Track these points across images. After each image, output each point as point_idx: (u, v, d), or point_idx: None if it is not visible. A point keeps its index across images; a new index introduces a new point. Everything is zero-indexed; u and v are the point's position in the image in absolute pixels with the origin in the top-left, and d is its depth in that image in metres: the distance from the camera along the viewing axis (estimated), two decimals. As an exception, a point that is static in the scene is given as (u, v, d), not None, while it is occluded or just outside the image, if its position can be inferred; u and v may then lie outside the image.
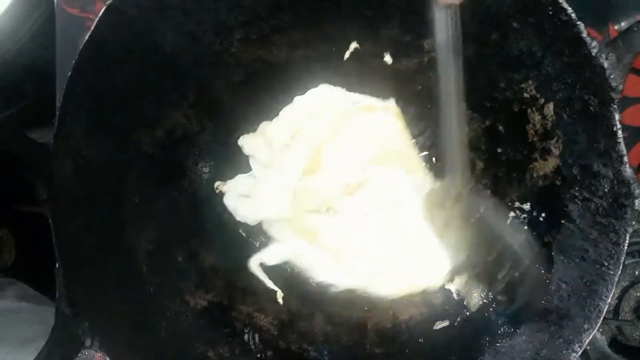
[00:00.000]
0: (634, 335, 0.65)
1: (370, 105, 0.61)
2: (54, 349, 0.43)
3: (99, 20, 0.46)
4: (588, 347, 0.67)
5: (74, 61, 0.46)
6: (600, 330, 0.67)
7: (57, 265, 0.47)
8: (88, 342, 0.45)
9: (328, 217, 0.61)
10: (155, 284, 0.54)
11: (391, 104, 0.61)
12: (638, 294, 0.66)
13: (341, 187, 0.60)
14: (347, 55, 0.60)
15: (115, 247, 0.52)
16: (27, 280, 0.89)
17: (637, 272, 0.66)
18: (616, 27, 0.69)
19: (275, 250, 0.62)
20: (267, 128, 0.62)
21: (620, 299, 0.66)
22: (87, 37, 0.46)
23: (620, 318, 0.66)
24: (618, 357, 0.66)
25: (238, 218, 0.61)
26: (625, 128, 0.69)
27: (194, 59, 0.55)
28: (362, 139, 0.60)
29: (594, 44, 0.46)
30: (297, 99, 0.61)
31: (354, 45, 0.60)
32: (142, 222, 0.55)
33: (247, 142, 0.62)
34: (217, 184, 0.62)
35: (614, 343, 0.67)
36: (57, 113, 0.47)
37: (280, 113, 0.62)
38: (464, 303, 0.59)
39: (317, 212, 0.61)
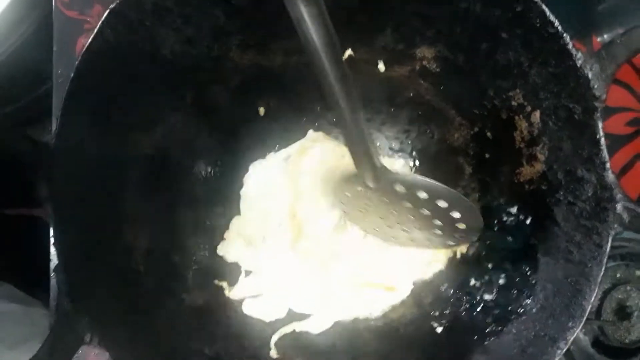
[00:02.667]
0: (615, 335, 0.68)
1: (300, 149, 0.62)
2: (55, 344, 0.44)
3: (103, 23, 0.47)
4: (572, 347, 0.69)
5: (77, 62, 0.47)
6: (583, 330, 0.69)
7: (53, 263, 0.48)
8: (88, 338, 0.46)
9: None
10: (152, 282, 0.54)
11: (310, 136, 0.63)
12: (619, 296, 0.68)
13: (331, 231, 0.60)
14: (341, 62, 0.62)
15: (114, 246, 0.53)
16: (16, 282, 0.89)
17: (618, 275, 0.69)
18: (599, 39, 0.72)
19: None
20: (237, 226, 0.62)
21: (602, 300, 0.68)
22: (90, 38, 0.47)
23: (602, 319, 0.68)
24: (600, 356, 0.69)
25: (267, 320, 0.60)
26: (607, 136, 0.71)
27: (193, 63, 0.56)
28: (317, 173, 0.61)
29: (579, 55, 0.48)
30: (252, 167, 0.63)
31: (348, 52, 0.61)
32: (141, 222, 0.56)
33: (227, 251, 0.62)
34: (226, 289, 0.61)
35: (596, 343, 0.69)
36: (60, 112, 0.47)
37: (242, 194, 0.63)
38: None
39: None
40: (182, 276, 0.58)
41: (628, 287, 0.68)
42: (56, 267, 0.47)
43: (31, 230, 0.95)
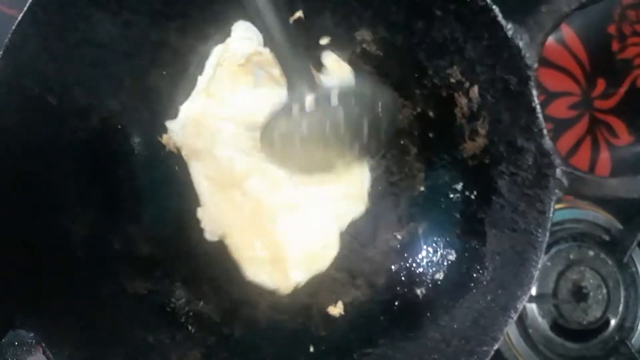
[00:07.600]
0: (573, 317, 0.67)
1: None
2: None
3: (32, 3, 0.47)
4: (531, 331, 0.68)
5: (6, 41, 0.46)
6: (542, 314, 0.68)
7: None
8: (18, 323, 0.44)
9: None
10: (91, 271, 0.53)
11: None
12: (574, 277, 0.68)
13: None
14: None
15: (49, 232, 0.51)
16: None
17: (571, 256, 0.69)
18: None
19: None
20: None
21: (557, 282, 0.68)
22: (20, 17, 0.46)
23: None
24: (560, 339, 0.68)
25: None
26: (551, 120, 0.73)
27: (130, 47, 0.56)
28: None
29: (509, 26, 0.49)
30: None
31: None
32: (78, 209, 0.54)
33: None
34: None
35: (555, 326, 0.68)
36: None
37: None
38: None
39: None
40: (123, 264, 0.56)
41: (582, 268, 0.68)
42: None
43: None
